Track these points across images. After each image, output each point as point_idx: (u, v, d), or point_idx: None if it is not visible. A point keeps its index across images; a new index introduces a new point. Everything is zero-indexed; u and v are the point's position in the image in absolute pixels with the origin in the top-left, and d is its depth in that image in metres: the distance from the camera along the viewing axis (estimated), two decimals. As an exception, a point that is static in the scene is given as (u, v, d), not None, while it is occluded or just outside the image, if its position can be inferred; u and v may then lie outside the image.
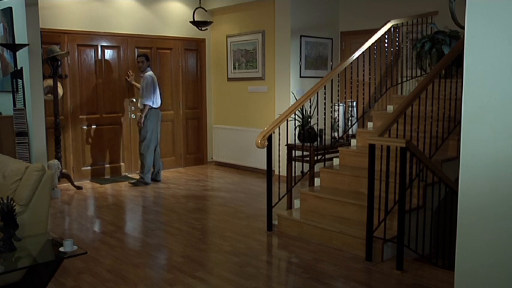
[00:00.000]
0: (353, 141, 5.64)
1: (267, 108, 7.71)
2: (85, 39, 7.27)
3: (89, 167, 7.45)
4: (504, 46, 2.35)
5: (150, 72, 7.05)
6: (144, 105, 6.93)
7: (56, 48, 6.48)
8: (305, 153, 5.32)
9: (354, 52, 5.65)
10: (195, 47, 8.51)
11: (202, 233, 4.92)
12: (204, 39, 8.57)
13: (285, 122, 5.04)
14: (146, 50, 7.85)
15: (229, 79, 8.41)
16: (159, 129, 7.24)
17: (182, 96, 8.41)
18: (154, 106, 7.02)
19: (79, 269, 3.90)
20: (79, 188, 6.78)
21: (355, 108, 5.94)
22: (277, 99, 7.46)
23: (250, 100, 8.06)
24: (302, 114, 5.29)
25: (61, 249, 2.99)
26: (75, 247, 3.03)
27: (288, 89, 7.22)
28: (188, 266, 3.99)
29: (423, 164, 4.10)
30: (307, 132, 5.27)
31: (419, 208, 4.31)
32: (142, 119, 6.95)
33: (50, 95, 6.56)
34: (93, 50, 7.38)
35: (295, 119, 5.33)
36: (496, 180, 2.43)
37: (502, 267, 2.44)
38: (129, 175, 7.71)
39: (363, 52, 5.66)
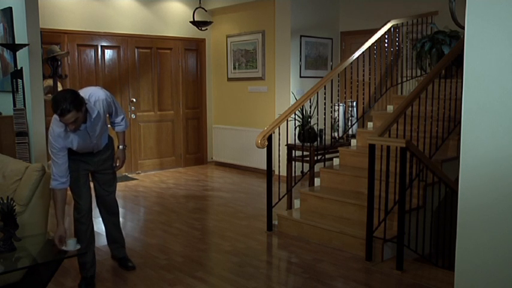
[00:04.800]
0: (353, 141, 5.64)
1: (267, 108, 7.71)
2: (85, 39, 7.27)
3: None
4: (504, 46, 2.35)
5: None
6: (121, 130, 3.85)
7: (56, 48, 6.48)
8: (305, 153, 5.32)
9: (354, 52, 5.65)
10: (195, 47, 8.51)
11: (202, 233, 4.92)
12: (204, 39, 8.57)
13: (285, 122, 5.04)
14: (146, 50, 7.86)
15: (229, 79, 8.40)
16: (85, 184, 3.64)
17: (182, 96, 8.40)
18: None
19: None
20: (79, 188, 6.75)
21: (355, 108, 5.94)
22: (277, 99, 7.46)
23: (250, 100, 8.06)
24: (302, 114, 5.29)
25: (63, 247, 3.01)
26: (78, 246, 3.05)
27: (288, 89, 7.22)
28: (188, 266, 3.99)
29: (423, 164, 4.10)
30: (307, 132, 5.27)
31: (419, 208, 4.31)
32: (120, 154, 3.82)
33: (50, 95, 6.56)
34: (93, 50, 7.37)
35: (295, 119, 5.33)
36: (495, 180, 2.43)
37: (502, 267, 2.44)
38: (129, 175, 7.71)
39: (363, 52, 5.66)
